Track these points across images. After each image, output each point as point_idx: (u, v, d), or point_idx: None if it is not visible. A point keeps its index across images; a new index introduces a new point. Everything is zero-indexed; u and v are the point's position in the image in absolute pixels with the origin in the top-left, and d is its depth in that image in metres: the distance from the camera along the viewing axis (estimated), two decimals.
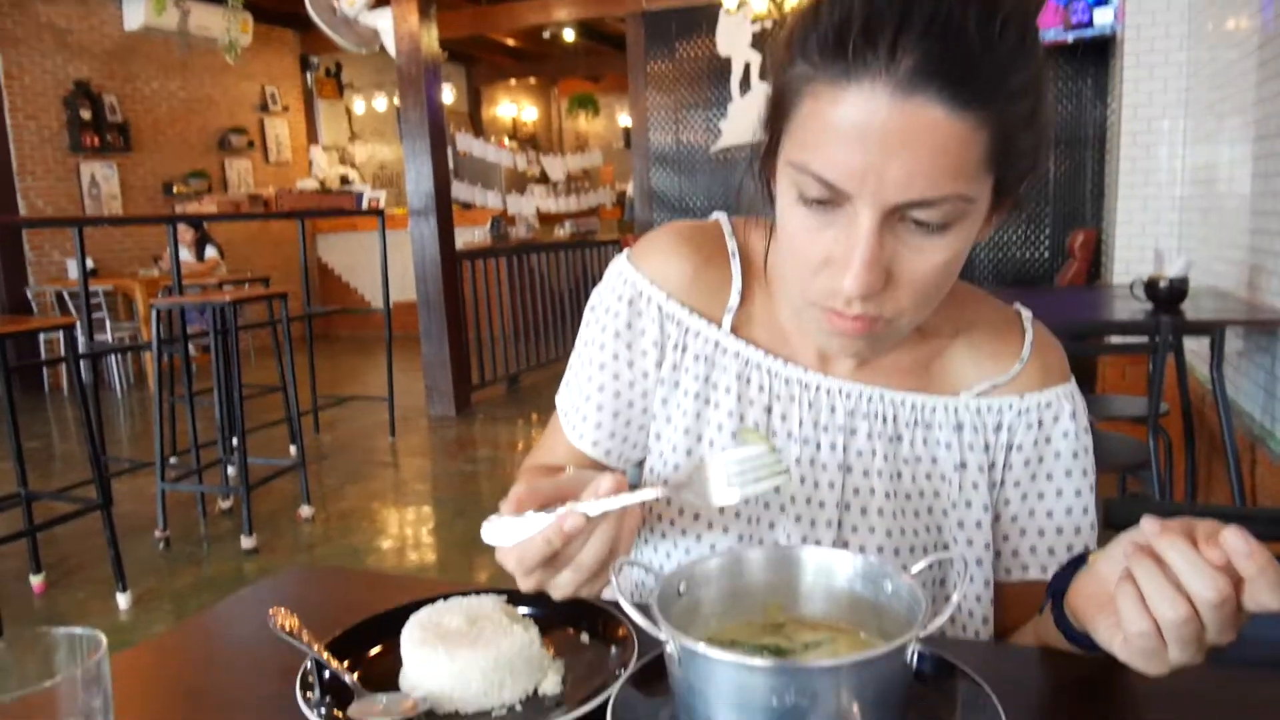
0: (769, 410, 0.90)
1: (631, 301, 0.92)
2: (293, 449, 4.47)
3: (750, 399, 0.90)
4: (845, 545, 0.87)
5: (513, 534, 0.70)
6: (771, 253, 0.90)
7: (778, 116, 0.75)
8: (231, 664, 0.80)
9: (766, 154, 0.79)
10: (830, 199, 0.71)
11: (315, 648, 0.72)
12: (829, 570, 0.69)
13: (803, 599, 0.70)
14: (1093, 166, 6.81)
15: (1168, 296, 3.11)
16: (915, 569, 0.66)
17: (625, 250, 0.96)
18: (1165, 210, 4.81)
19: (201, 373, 6.32)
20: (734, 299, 0.91)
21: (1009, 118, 0.68)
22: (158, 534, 3.82)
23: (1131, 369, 4.66)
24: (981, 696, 0.63)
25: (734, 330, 0.91)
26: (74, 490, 3.82)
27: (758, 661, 0.56)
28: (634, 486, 0.72)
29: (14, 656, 0.56)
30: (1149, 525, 0.60)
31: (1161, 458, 2.99)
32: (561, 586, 0.72)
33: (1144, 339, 3.25)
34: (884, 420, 0.88)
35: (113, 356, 7.53)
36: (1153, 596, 0.59)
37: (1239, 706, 0.68)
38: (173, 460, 4.54)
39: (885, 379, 0.89)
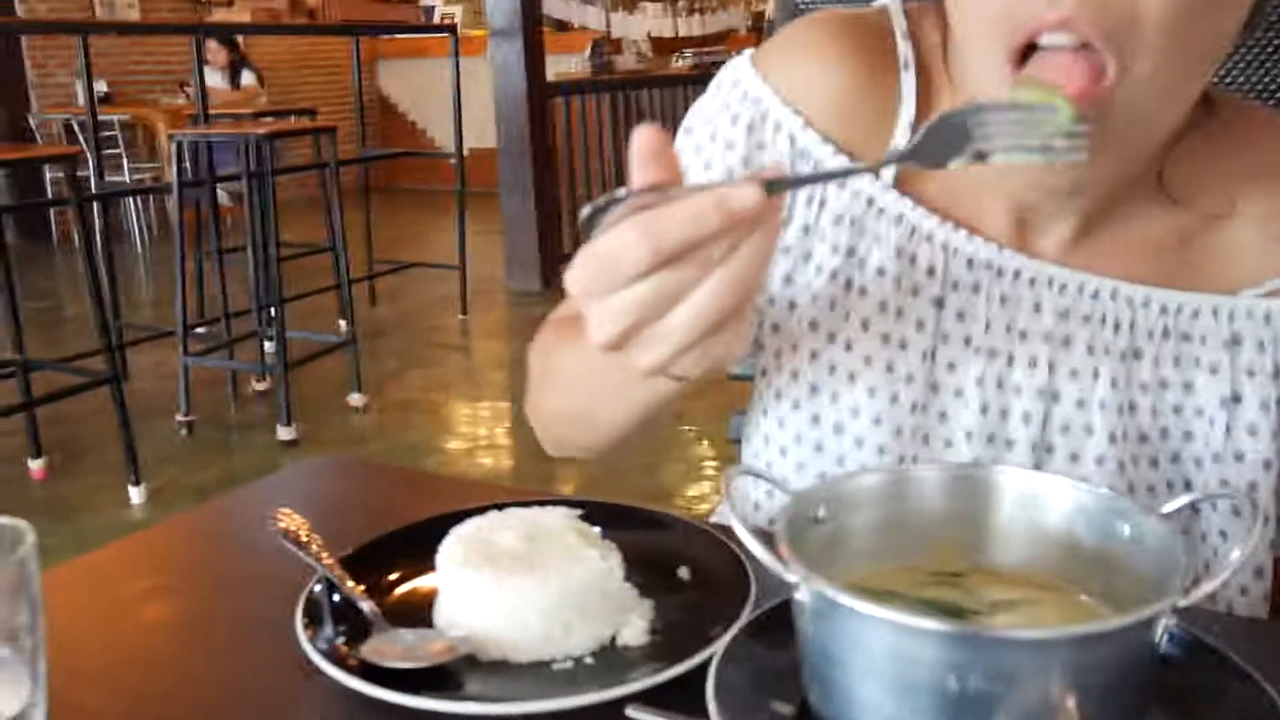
0: (939, 304, 0.78)
1: (752, 128, 0.80)
2: (343, 323, 4.55)
3: (913, 285, 0.78)
4: None
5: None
6: (954, 23, 0.74)
7: None
8: (225, 576, 0.77)
9: None
10: None
11: (326, 563, 0.68)
12: (1036, 501, 0.61)
13: (994, 540, 0.62)
14: None
15: None
16: (1170, 507, 0.57)
17: (747, 52, 0.83)
18: None
19: (235, 226, 6.48)
20: (901, 134, 0.78)
21: None
22: (179, 417, 3.95)
23: None
24: (1255, 693, 0.55)
25: (897, 183, 0.79)
26: (81, 360, 3.97)
27: (928, 624, 0.48)
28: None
29: None
30: None
31: None
32: (667, 337, 0.55)
33: None
34: (1115, 327, 0.76)
35: (130, 201, 7.76)
36: None
37: None
38: (200, 330, 4.66)
39: (1119, 263, 0.76)
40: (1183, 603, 0.49)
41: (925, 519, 0.63)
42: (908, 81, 0.79)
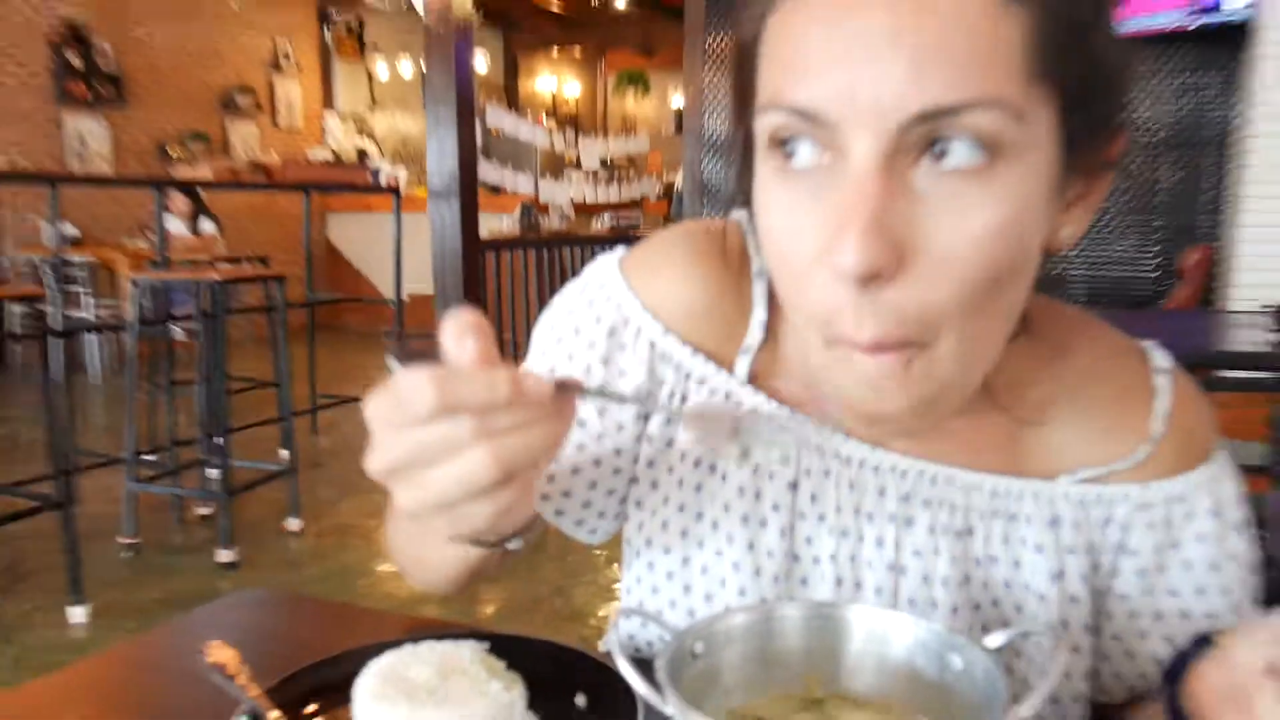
0: (794, 487, 0.78)
1: (614, 331, 0.80)
2: (284, 452, 4.47)
3: (769, 471, 0.78)
4: None
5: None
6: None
7: (745, 79, 0.66)
8: (158, 707, 0.76)
9: (743, 144, 0.68)
10: (813, 142, 0.60)
11: (253, 694, 0.68)
12: (883, 637, 0.63)
13: (849, 670, 0.64)
14: (1211, 175, 6.63)
15: None
16: (994, 642, 0.59)
17: (616, 254, 0.83)
18: None
19: (189, 361, 6.36)
20: (754, 335, 0.79)
21: (1058, 6, 0.57)
22: (124, 540, 3.83)
23: (1250, 410, 4.51)
24: None
25: (752, 379, 0.79)
26: (33, 485, 3.83)
27: None
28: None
29: None
30: None
31: None
32: (427, 486, 0.54)
33: (1267, 374, 3.14)
34: (950, 509, 0.76)
35: (90, 336, 7.62)
36: None
37: None
38: (148, 458, 4.55)
39: (955, 454, 0.76)
40: None
41: (790, 652, 0.64)
42: (759, 288, 0.79)
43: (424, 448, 0.52)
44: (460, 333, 0.53)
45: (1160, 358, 0.79)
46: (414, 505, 0.55)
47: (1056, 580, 0.76)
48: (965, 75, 0.55)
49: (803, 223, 0.61)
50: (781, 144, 0.62)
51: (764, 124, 0.63)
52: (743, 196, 0.71)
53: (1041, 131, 0.59)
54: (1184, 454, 0.76)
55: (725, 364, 0.79)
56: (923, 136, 0.56)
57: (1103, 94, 0.62)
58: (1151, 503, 0.75)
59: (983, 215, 0.58)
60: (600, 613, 3.38)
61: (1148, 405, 0.76)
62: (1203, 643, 0.65)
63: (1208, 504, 0.76)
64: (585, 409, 0.81)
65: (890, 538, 0.77)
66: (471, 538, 0.62)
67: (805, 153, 0.61)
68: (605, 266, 0.83)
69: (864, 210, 0.56)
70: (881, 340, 0.60)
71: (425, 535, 0.74)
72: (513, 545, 0.68)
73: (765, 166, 0.65)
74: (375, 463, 0.54)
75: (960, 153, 0.57)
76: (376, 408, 0.53)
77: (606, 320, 0.80)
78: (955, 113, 0.55)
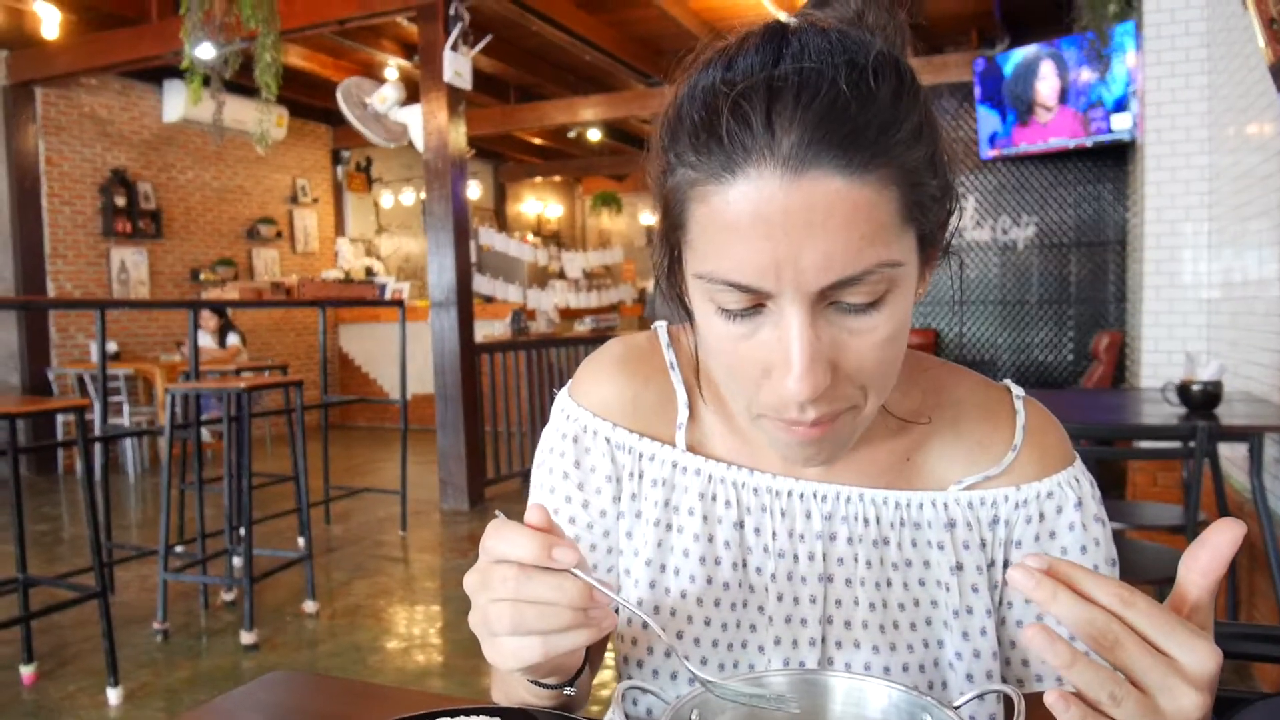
0: (740, 525, 0.82)
1: (577, 439, 0.86)
2: (301, 541, 4.39)
3: (718, 517, 0.82)
4: (830, 663, 0.78)
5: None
6: (703, 364, 0.83)
7: (672, 228, 0.70)
8: None
9: (670, 268, 0.73)
10: (750, 305, 0.65)
11: None
12: (860, 699, 0.62)
13: None
14: (1115, 269, 6.80)
15: (1201, 401, 3.03)
16: (960, 702, 0.58)
17: (568, 385, 0.90)
18: (1192, 313, 4.76)
19: (216, 460, 6.27)
20: (682, 414, 0.85)
21: (911, 165, 0.62)
22: (156, 625, 3.71)
23: (1163, 475, 4.53)
24: None
25: (690, 448, 0.84)
26: (75, 577, 3.74)
27: None
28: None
29: None
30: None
31: None
32: (480, 611, 0.62)
33: (1176, 444, 3.16)
34: (865, 522, 0.80)
35: (128, 440, 7.52)
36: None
37: None
38: (179, 549, 4.45)
39: (862, 477, 0.81)
40: None
41: (777, 716, 0.63)
42: (676, 376, 0.85)
43: (479, 582, 0.62)
44: (535, 512, 0.63)
45: (1016, 389, 0.85)
46: (474, 624, 0.64)
47: (956, 572, 0.79)
48: (861, 252, 0.61)
49: (748, 344, 0.67)
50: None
51: (706, 289, 0.66)
52: (680, 307, 0.76)
53: (911, 258, 0.66)
54: (1044, 460, 0.81)
55: (667, 440, 0.85)
56: (834, 291, 0.63)
57: (943, 207, 0.68)
58: (1026, 500, 0.80)
59: (885, 329, 0.65)
60: (597, 680, 3.28)
61: (1011, 423, 0.82)
62: None
63: (1074, 499, 0.80)
64: (573, 507, 0.86)
65: (819, 552, 0.80)
66: (504, 668, 0.65)
67: (741, 303, 0.65)
68: (560, 397, 0.89)
69: (804, 353, 0.63)
70: (822, 419, 0.67)
71: (507, 680, 0.79)
72: (566, 691, 0.73)
73: (704, 305, 0.69)
74: (466, 581, 0.64)
75: (862, 300, 0.64)
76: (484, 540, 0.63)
77: (570, 434, 0.86)
78: (858, 279, 0.62)
